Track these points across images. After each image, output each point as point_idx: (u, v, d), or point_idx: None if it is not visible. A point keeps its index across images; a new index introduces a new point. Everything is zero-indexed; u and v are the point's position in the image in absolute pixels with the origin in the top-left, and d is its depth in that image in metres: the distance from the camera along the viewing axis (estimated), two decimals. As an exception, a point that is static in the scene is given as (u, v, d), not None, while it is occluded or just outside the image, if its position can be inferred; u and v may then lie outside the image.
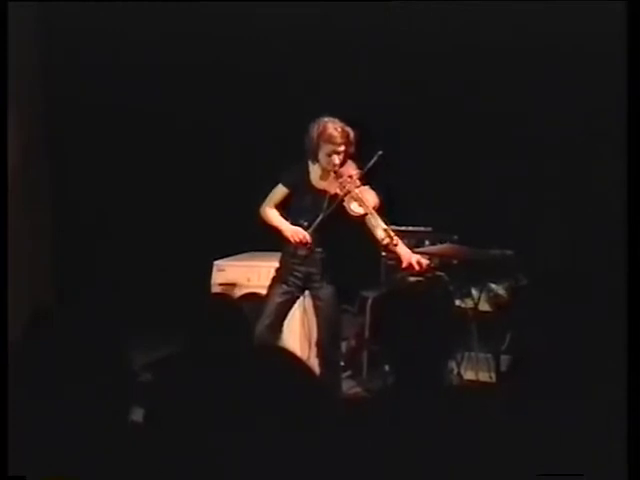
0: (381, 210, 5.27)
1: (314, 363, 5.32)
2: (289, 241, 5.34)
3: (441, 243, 6.08)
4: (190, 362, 2.82)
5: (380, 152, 5.20)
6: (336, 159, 5.24)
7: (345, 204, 5.24)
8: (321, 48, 6.76)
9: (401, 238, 5.44)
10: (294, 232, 5.31)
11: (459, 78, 6.47)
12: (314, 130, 5.26)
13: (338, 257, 5.37)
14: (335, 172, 5.26)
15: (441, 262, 5.81)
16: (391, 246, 5.29)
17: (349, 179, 5.23)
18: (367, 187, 5.26)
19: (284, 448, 1.66)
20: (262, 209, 5.48)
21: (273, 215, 5.46)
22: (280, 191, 5.45)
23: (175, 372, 2.67)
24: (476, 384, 5.68)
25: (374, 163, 5.22)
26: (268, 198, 5.48)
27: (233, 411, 1.70)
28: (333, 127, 5.23)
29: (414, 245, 5.73)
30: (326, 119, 5.27)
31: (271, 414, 1.69)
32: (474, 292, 5.86)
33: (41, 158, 7.40)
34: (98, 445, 1.85)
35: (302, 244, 5.29)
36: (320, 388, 1.86)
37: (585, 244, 6.12)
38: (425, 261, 5.43)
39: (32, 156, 7.25)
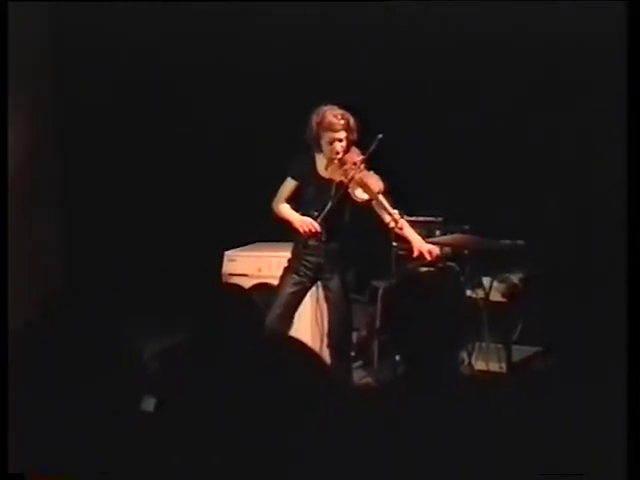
0: (387, 195, 5.27)
1: (325, 353, 5.33)
2: (299, 232, 5.33)
3: (452, 233, 6.07)
4: (201, 352, 2.83)
5: (380, 136, 5.17)
6: (338, 146, 5.23)
7: (350, 191, 5.23)
8: (321, 48, 6.77)
9: (412, 228, 5.45)
10: (302, 222, 5.32)
11: (460, 77, 6.48)
12: (314, 119, 5.24)
13: (348, 247, 5.37)
14: (339, 160, 5.25)
15: (452, 252, 5.81)
16: (397, 229, 5.28)
17: (353, 166, 5.22)
18: (371, 172, 5.24)
19: (294, 439, 1.66)
20: (274, 205, 5.48)
21: (284, 209, 5.45)
22: (289, 184, 5.45)
23: (186, 363, 2.68)
24: (487, 374, 5.68)
25: (376, 147, 5.19)
26: (279, 193, 5.47)
27: (244, 401, 1.70)
28: (332, 115, 5.21)
29: (425, 235, 5.72)
30: (325, 107, 5.25)
31: (282, 404, 1.69)
32: (485, 282, 5.86)
33: (49, 156, 7.42)
34: (99, 444, 1.85)
35: (311, 234, 5.29)
36: (331, 378, 1.86)
37: (598, 234, 6.11)
38: (436, 251, 5.44)
39: (39, 154, 7.27)
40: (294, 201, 5.46)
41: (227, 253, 6.66)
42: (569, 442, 2.27)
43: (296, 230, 5.36)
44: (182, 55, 7.17)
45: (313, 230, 5.28)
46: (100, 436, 1.84)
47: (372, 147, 5.20)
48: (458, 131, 6.55)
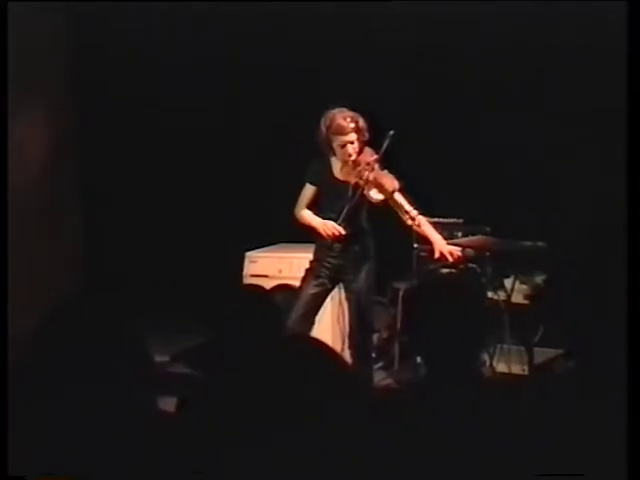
0: (405, 194, 5.25)
1: (346, 354, 5.32)
2: (322, 236, 5.31)
3: (473, 235, 6.05)
4: (222, 354, 2.83)
5: (391, 132, 5.14)
6: (350, 149, 5.20)
7: (366, 192, 5.21)
8: (327, 48, 6.79)
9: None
10: (325, 226, 5.29)
11: (476, 77, 6.48)
12: (323, 124, 5.21)
13: (369, 248, 5.36)
14: (353, 162, 5.23)
15: (473, 254, 5.79)
16: (415, 227, 5.26)
17: (367, 166, 5.19)
18: (385, 171, 5.21)
19: (314, 439, 1.66)
20: (296, 212, 5.45)
21: (306, 215, 5.43)
22: (309, 190, 5.43)
23: (207, 363, 2.67)
24: (508, 376, 5.65)
25: (389, 144, 5.15)
26: (299, 200, 5.45)
27: (264, 401, 1.70)
28: (341, 117, 5.17)
29: (446, 237, 5.70)
30: (335, 111, 5.21)
31: (302, 405, 1.68)
32: (507, 284, 5.83)
33: (69, 156, 7.48)
34: (99, 444, 1.85)
35: (335, 237, 5.26)
36: (352, 379, 1.85)
37: (620, 236, 6.07)
38: (458, 252, 5.42)
39: (58, 154, 7.32)
40: (316, 206, 5.44)
41: (248, 254, 6.67)
42: (575, 442, 2.27)
43: (320, 234, 5.34)
44: (199, 60, 7.20)
45: (337, 233, 5.25)
46: (100, 437, 1.84)
47: (385, 144, 5.16)
48: (478, 133, 6.54)
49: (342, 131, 5.16)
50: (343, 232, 5.24)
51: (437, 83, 6.62)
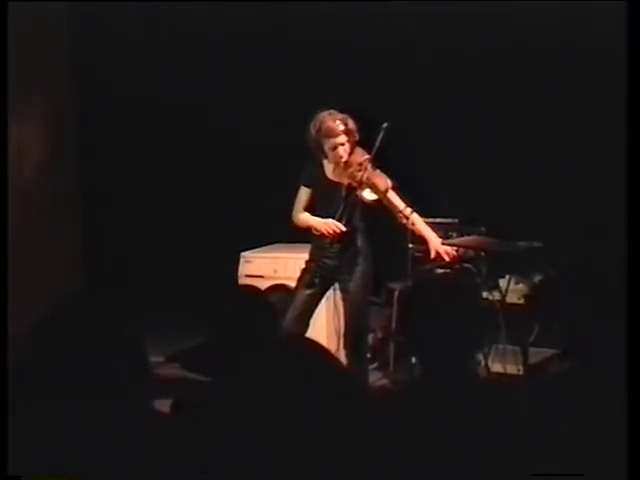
0: (399, 193, 5.25)
1: (341, 355, 5.33)
2: (325, 235, 5.31)
3: (468, 235, 6.07)
4: (217, 354, 2.85)
5: (385, 124, 5.12)
6: (340, 150, 5.19)
7: (359, 192, 5.21)
8: (327, 48, 6.81)
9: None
10: (326, 225, 5.27)
11: (475, 78, 6.49)
12: (312, 127, 5.19)
13: (365, 249, 5.36)
14: (344, 163, 5.23)
15: (468, 254, 5.80)
16: (409, 226, 5.27)
17: (359, 167, 5.17)
18: (377, 171, 5.19)
19: (309, 439, 1.67)
20: (294, 216, 5.43)
21: (304, 217, 5.40)
22: (304, 193, 5.42)
23: (202, 364, 2.70)
24: (503, 377, 5.67)
25: (383, 138, 5.12)
26: (296, 204, 5.42)
27: (260, 401, 1.72)
28: (331, 119, 5.16)
29: (441, 237, 5.71)
30: (324, 113, 5.19)
31: (297, 406, 1.70)
32: (502, 284, 5.85)
33: (69, 156, 7.49)
34: (100, 444, 1.86)
35: (335, 234, 5.26)
36: (347, 380, 1.87)
37: (616, 236, 6.09)
38: (453, 252, 5.42)
39: (58, 154, 7.33)
40: (311, 209, 5.44)
41: (243, 254, 6.66)
42: (575, 442, 2.29)
43: (320, 234, 5.34)
44: (199, 60, 7.22)
45: (338, 231, 5.25)
46: (100, 437, 1.86)
47: (379, 138, 5.13)
48: (474, 133, 6.56)
49: (332, 133, 5.16)
50: (345, 229, 5.24)
51: (437, 83, 6.63)
